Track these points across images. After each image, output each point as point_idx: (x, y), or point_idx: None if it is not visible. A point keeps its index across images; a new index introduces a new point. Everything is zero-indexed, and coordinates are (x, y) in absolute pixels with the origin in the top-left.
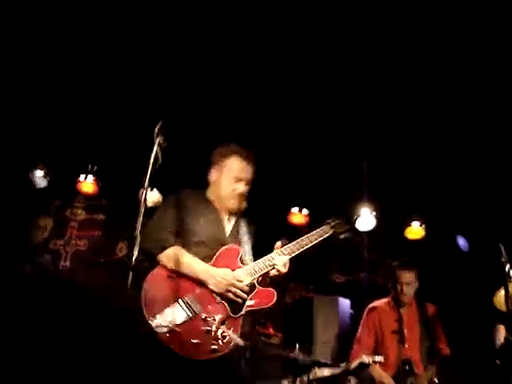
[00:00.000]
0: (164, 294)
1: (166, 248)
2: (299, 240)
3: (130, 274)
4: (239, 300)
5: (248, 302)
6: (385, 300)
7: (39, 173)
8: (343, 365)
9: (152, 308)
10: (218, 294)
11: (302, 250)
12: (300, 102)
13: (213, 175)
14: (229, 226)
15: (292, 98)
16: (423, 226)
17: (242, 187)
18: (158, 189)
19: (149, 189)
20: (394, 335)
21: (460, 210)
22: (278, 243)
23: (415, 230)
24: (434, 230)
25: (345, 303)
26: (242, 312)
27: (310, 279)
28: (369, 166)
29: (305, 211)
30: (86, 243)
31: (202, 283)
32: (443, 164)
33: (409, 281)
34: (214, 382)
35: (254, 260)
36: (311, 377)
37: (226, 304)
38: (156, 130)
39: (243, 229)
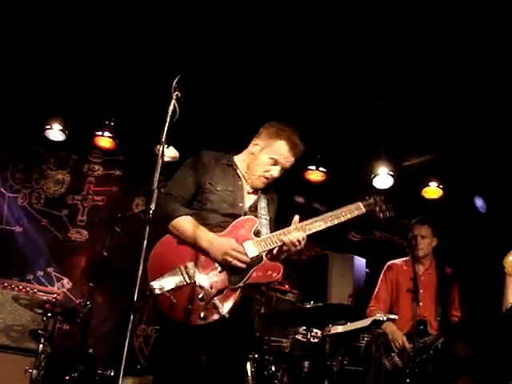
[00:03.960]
0: (169, 259)
1: (173, 218)
2: (324, 216)
3: (147, 228)
4: (238, 268)
5: (250, 275)
6: (403, 259)
7: (57, 126)
8: (357, 322)
9: (155, 271)
10: (220, 264)
11: (324, 227)
12: (316, 62)
13: (255, 146)
14: (249, 198)
15: (309, 58)
16: (441, 186)
17: (275, 172)
18: (174, 146)
19: (166, 144)
20: (410, 294)
21: (478, 171)
22: (296, 217)
23: (433, 190)
24: (452, 190)
25: (360, 262)
26: (241, 284)
27: (325, 237)
28: (386, 124)
29: (322, 169)
30: (104, 199)
31: (206, 252)
32: (462, 124)
33: (424, 234)
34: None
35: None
36: (325, 333)
37: (226, 274)
38: (174, 84)
39: (262, 203)
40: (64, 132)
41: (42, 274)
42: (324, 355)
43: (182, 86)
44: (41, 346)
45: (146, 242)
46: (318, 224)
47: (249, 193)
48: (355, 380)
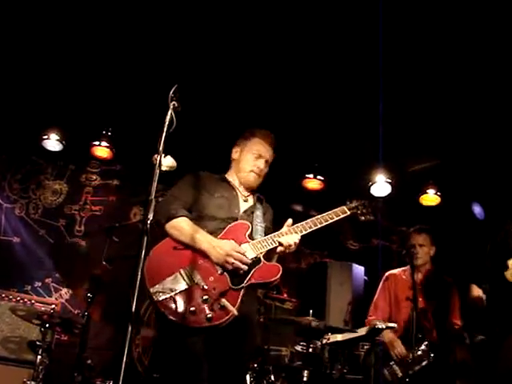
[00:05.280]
0: (167, 264)
1: (173, 218)
2: (313, 218)
3: (145, 238)
4: (239, 271)
5: (251, 275)
6: (402, 268)
7: (54, 137)
8: (356, 330)
9: (154, 277)
10: (220, 266)
11: (314, 228)
12: (314, 71)
13: (235, 153)
14: (244, 205)
15: (305, 66)
16: (438, 193)
17: (261, 164)
18: (171, 155)
19: (163, 154)
20: (409, 302)
21: (476, 178)
22: (289, 220)
23: (430, 198)
24: (450, 197)
25: (359, 270)
26: (244, 284)
27: (324, 245)
28: (384, 132)
29: (320, 177)
30: (101, 208)
31: (205, 254)
32: (460, 132)
33: (422, 242)
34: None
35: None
36: (324, 342)
37: (227, 276)
38: (170, 93)
39: (258, 211)
40: (61, 142)
41: (39, 284)
42: (323, 364)
43: (178, 95)
44: (39, 357)
45: (144, 251)
46: (308, 226)
47: (244, 200)
48: None
